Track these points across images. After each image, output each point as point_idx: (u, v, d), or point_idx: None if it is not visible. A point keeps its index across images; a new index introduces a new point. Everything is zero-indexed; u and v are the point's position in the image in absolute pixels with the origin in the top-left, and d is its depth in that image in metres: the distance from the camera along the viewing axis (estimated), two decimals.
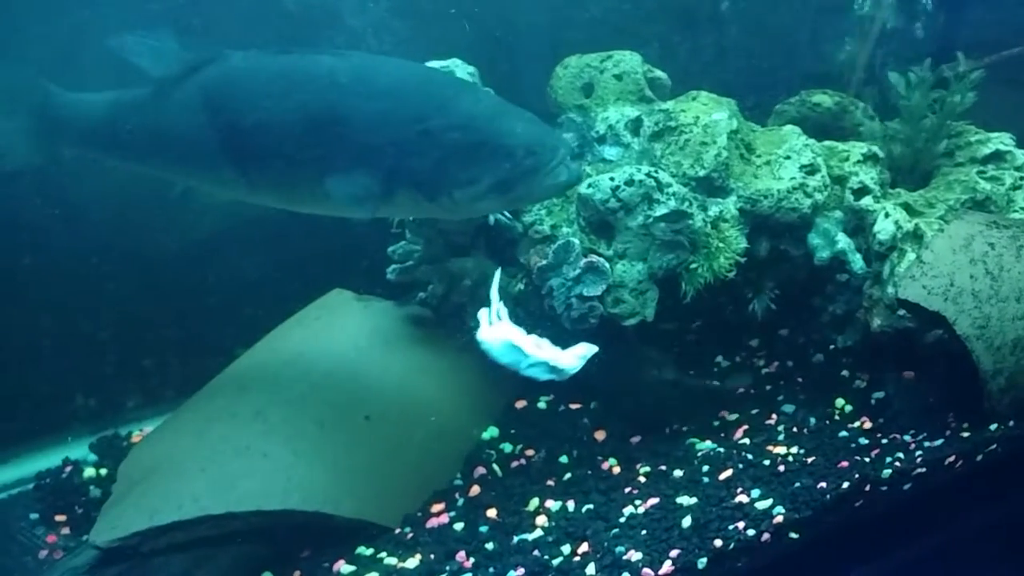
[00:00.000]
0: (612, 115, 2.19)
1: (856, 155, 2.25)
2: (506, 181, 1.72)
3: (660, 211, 2.01)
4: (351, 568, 1.79)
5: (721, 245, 2.05)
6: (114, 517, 1.68)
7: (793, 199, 2.13)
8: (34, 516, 2.03)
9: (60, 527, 1.99)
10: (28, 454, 2.24)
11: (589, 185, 2.03)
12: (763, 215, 2.12)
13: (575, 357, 1.85)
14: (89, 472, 2.10)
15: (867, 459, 1.93)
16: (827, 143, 2.30)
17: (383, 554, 1.82)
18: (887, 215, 2.15)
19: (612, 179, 2.02)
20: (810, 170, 2.17)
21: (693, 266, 2.04)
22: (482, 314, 1.81)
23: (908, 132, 2.37)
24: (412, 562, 1.79)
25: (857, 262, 2.17)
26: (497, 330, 1.80)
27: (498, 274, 1.83)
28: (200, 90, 1.74)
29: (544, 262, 2.03)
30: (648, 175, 2.01)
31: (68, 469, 2.12)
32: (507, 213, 2.01)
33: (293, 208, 1.84)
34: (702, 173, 2.09)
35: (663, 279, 2.06)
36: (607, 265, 2.02)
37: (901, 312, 2.07)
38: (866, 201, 2.19)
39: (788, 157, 2.18)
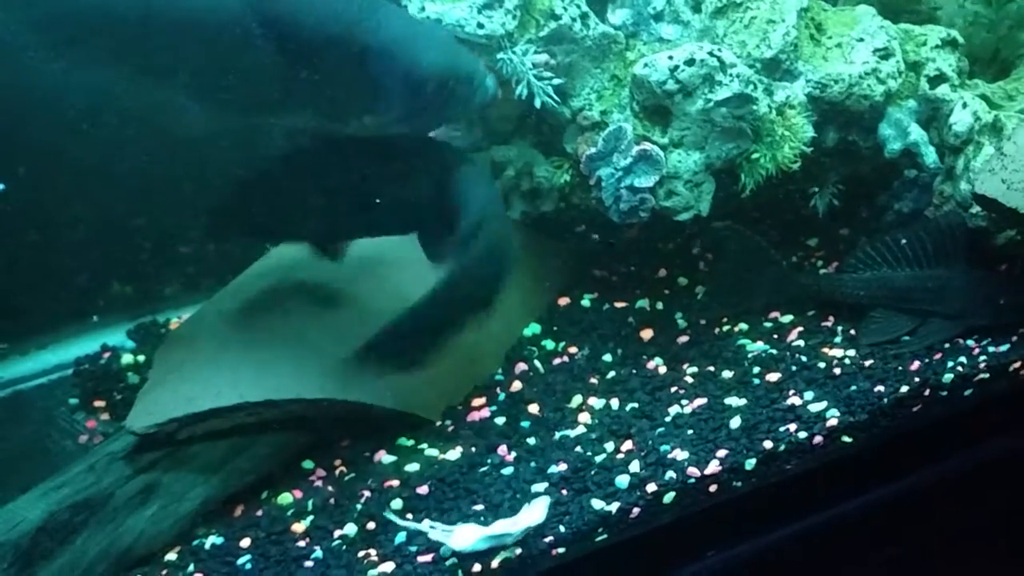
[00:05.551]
0: None
1: (934, 39, 2.08)
2: (420, 110, 1.66)
3: (722, 94, 1.86)
4: (392, 458, 1.78)
5: (786, 134, 1.91)
6: (150, 403, 1.66)
7: (865, 85, 1.98)
8: (73, 401, 2.03)
9: (99, 412, 1.99)
10: (67, 340, 2.24)
11: (645, 65, 1.88)
12: (832, 102, 1.97)
13: (543, 508, 1.56)
14: (127, 359, 2.09)
15: (928, 363, 1.85)
16: (903, 26, 2.12)
17: (424, 445, 1.80)
18: (965, 105, 2.00)
19: (671, 58, 1.86)
20: (884, 54, 2.00)
21: (755, 156, 1.91)
22: (434, 535, 1.55)
23: (991, 16, 2.19)
24: (453, 454, 1.77)
25: (930, 155, 2.03)
26: (464, 534, 1.52)
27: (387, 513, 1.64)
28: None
29: (593, 150, 1.91)
30: (711, 54, 1.85)
31: (107, 355, 2.12)
32: (554, 95, 1.89)
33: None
34: (769, 54, 1.94)
35: (720, 170, 1.94)
36: (661, 154, 1.90)
37: (974, 210, 1.95)
38: (942, 90, 2.04)
39: (861, 39, 2.01)
